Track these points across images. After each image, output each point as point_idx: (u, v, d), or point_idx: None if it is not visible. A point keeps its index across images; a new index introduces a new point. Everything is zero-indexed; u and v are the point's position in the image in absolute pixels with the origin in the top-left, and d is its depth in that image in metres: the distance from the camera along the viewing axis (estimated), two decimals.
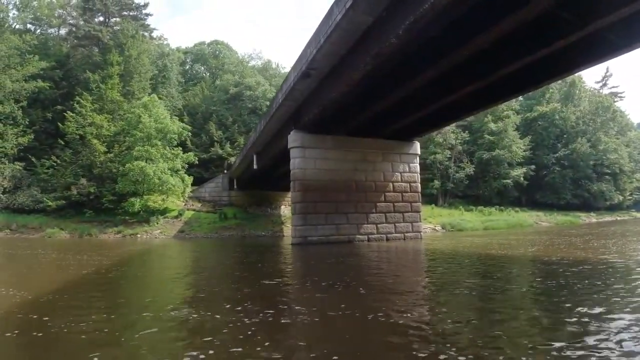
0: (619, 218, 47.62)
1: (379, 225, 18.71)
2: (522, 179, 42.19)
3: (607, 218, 46.07)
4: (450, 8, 9.14)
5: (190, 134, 36.94)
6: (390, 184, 19.27)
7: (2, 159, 32.17)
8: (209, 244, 22.70)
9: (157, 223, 30.22)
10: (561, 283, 7.04)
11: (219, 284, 8.44)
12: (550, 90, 49.98)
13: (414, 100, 15.24)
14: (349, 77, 12.84)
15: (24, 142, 33.24)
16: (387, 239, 18.76)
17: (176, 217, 32.22)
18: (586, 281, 7.23)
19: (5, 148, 32.12)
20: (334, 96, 14.08)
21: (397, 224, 19.10)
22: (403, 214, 19.35)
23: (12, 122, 33.55)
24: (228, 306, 5.75)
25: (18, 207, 30.31)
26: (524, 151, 42.99)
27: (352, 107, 15.61)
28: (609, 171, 48.40)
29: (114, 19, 42.08)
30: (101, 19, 41.71)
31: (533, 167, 44.05)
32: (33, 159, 32.24)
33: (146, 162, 30.15)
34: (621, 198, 50.13)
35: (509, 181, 41.29)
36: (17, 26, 39.58)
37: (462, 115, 16.75)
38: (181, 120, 44.10)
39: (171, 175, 31.24)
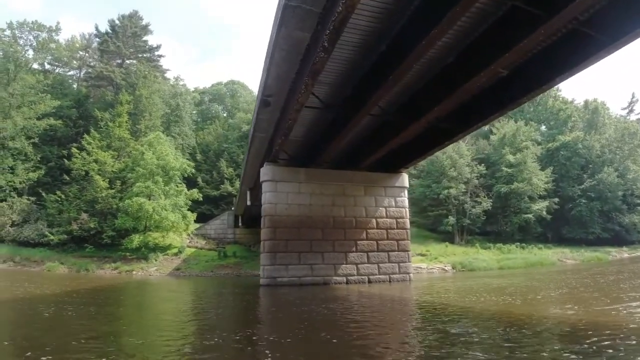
0: None
1: (359, 266, 17.12)
2: (544, 213, 39.21)
3: None
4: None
5: (194, 170, 36.95)
6: (374, 220, 17.78)
7: (12, 192, 33.07)
8: (194, 283, 22.22)
9: (155, 260, 30.05)
10: None
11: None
12: (573, 118, 47.37)
13: (381, 129, 14.07)
14: (299, 103, 11.85)
15: (34, 177, 34.24)
16: (369, 281, 17.11)
17: (176, 254, 32.00)
18: None
19: (15, 182, 32.98)
20: (290, 124, 13.06)
21: (381, 265, 17.44)
22: (388, 253, 17.69)
23: (23, 157, 34.68)
24: None
25: (24, 240, 30.86)
26: (546, 183, 40.24)
27: (314, 138, 14.56)
28: None
29: (130, 60, 43.60)
30: (119, 60, 43.38)
31: (557, 200, 41.02)
32: (43, 194, 32.88)
33: (149, 198, 30.13)
34: None
35: (530, 216, 38.49)
36: (36, 66, 41.54)
37: (443, 141, 15.19)
38: (193, 158, 44.88)
39: (172, 212, 31.01)
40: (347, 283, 16.72)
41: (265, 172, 16.86)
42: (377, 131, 15.64)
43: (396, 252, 17.85)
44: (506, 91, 12.15)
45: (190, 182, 39.88)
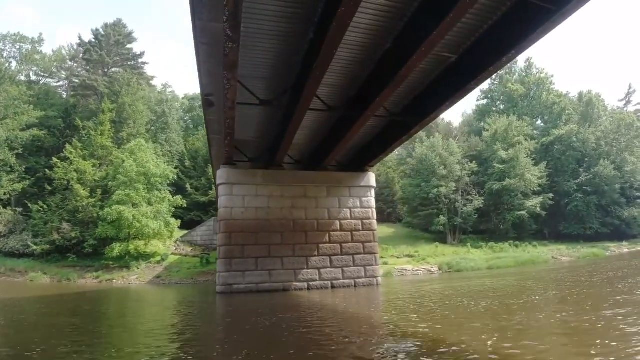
0: None
1: (322, 270, 16.35)
2: (538, 209, 38.04)
3: None
4: None
5: (176, 177, 36.47)
6: (337, 222, 17.01)
7: None
8: (167, 291, 21.98)
9: (137, 268, 29.87)
10: None
11: None
12: (568, 111, 46.12)
13: (336, 125, 13.35)
14: (229, 100, 11.16)
15: (19, 188, 34.17)
16: (333, 286, 16.34)
17: (159, 262, 31.57)
18: None
19: None
20: (230, 123, 12.39)
21: (345, 269, 16.65)
22: (353, 257, 16.89)
23: (8, 169, 34.54)
24: None
25: (9, 251, 30.86)
26: (539, 179, 39.07)
27: (268, 137, 13.88)
28: None
29: (115, 69, 43.37)
30: (105, 70, 43.17)
31: (551, 195, 39.82)
32: (29, 205, 32.65)
33: (132, 206, 29.78)
34: None
35: (524, 213, 37.34)
36: (23, 78, 41.46)
37: (400, 135, 14.31)
38: (182, 164, 44.43)
39: (154, 219, 30.61)
40: (308, 289, 15.97)
41: (220, 175, 16.22)
42: (333, 128, 14.94)
43: (362, 255, 17.02)
44: (456, 76, 11.42)
45: (179, 189, 39.48)
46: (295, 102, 11.74)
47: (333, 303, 13.17)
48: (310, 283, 16.12)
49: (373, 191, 18.27)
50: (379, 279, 17.31)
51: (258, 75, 11.45)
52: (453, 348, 5.93)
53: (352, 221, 17.24)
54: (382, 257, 30.64)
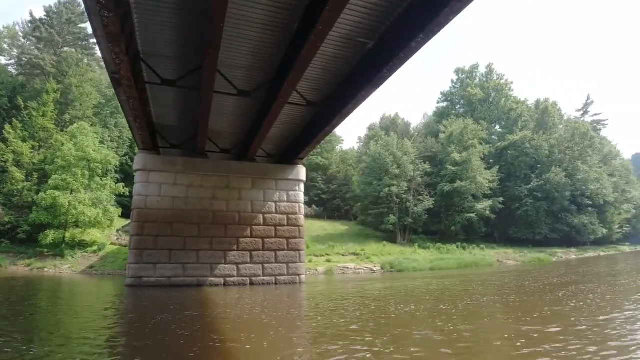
0: (602, 253, 43.39)
1: (240, 266, 15.73)
2: (488, 212, 38.47)
3: (590, 254, 41.90)
4: None
5: (125, 163, 35.09)
6: (260, 216, 16.40)
7: None
8: (89, 282, 20.98)
9: (72, 257, 28.61)
10: None
11: None
12: (524, 118, 46.92)
13: (259, 113, 12.63)
14: (124, 78, 10.37)
15: None
16: (252, 283, 15.74)
17: (95, 252, 30.20)
18: None
19: None
20: (133, 104, 11.56)
21: (266, 265, 16.07)
22: (275, 253, 16.33)
23: None
24: None
25: None
26: (491, 182, 39.52)
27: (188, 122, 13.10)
28: (591, 202, 44.18)
29: (66, 48, 41.34)
30: (57, 49, 41.06)
31: (501, 199, 40.38)
32: None
33: (70, 192, 28.41)
34: (606, 231, 45.54)
35: (473, 215, 37.65)
36: None
37: (323, 126, 13.74)
38: (132, 151, 42.75)
39: (94, 206, 29.36)
40: (225, 285, 15.33)
41: (137, 160, 15.45)
42: (257, 116, 14.26)
43: (285, 252, 16.48)
44: (371, 65, 10.91)
45: (127, 176, 37.95)
46: (201, 84, 11.03)
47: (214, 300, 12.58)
48: (228, 279, 15.47)
49: (302, 185, 17.70)
50: (302, 277, 16.79)
51: (163, 54, 10.68)
52: None
53: (277, 215, 16.66)
54: (327, 255, 30.57)
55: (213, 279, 15.27)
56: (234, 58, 10.75)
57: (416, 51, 9.66)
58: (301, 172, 17.62)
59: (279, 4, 8.68)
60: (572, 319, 8.74)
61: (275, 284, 16.05)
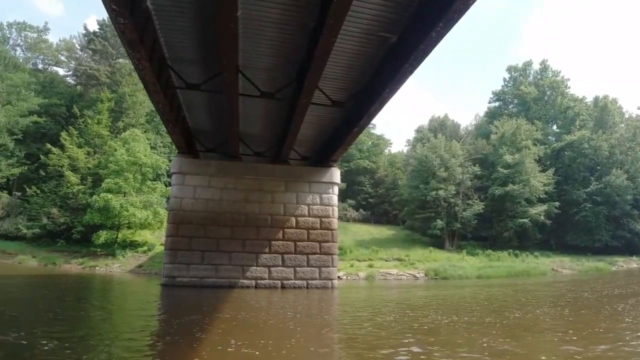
0: None
1: (272, 269, 15.57)
2: (542, 217, 36.07)
3: None
4: None
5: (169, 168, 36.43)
6: (293, 219, 16.20)
7: None
8: (135, 281, 21.91)
9: (123, 257, 30.08)
10: None
11: None
12: (582, 116, 43.70)
13: (288, 114, 12.46)
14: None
15: (16, 172, 34.88)
16: (283, 286, 15.53)
17: (145, 252, 31.58)
18: None
19: None
20: (164, 109, 11.74)
21: (298, 268, 15.81)
22: (307, 256, 16.03)
23: (8, 154, 35.21)
24: None
25: (3, 234, 31.45)
26: (545, 185, 37.08)
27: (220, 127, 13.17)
28: None
29: (120, 59, 43.64)
30: (111, 60, 43.52)
31: (557, 204, 37.76)
32: (27, 189, 33.18)
33: (123, 195, 29.95)
34: None
35: (526, 220, 35.43)
36: (30, 66, 42.17)
37: (351, 128, 13.29)
38: None
39: (144, 209, 30.77)
40: (256, 287, 15.24)
41: (173, 164, 15.78)
42: (286, 117, 14.08)
43: (317, 255, 16.13)
44: (393, 60, 10.44)
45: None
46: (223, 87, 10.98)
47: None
48: (259, 281, 15.37)
49: (336, 188, 17.33)
50: (335, 281, 16.35)
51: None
52: None
53: (310, 218, 16.38)
54: (369, 259, 29.96)
55: (244, 281, 15.23)
56: (256, 60, 10.62)
57: (437, 42, 9.07)
58: (335, 174, 17.25)
59: (293, 1, 8.41)
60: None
61: (307, 288, 15.77)
